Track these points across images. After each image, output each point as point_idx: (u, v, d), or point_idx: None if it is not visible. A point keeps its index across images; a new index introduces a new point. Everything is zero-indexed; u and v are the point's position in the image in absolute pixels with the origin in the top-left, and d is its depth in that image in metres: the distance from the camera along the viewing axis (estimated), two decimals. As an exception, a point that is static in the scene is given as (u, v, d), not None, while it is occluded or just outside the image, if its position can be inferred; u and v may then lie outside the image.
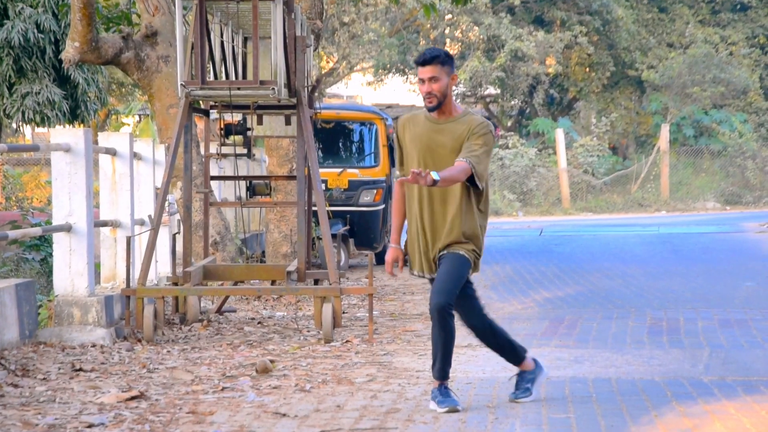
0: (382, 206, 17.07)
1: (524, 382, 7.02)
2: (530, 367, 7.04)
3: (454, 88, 6.90)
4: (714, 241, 21.20)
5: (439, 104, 6.69)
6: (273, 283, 11.48)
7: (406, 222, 6.96)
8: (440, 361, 6.77)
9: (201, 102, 11.13)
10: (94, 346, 9.27)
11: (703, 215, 31.28)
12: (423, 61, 6.68)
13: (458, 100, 42.76)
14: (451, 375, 6.82)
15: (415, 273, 6.95)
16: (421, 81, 6.66)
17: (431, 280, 6.88)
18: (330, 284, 10.06)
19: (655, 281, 14.55)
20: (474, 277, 7.02)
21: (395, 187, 6.95)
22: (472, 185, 6.68)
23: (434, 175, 6.36)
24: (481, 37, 37.77)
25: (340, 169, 17.08)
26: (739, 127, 36.64)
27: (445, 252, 6.76)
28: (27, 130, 32.05)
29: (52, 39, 19.11)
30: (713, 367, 8.43)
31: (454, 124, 6.73)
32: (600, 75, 38.91)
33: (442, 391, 6.76)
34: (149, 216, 11.37)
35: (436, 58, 6.66)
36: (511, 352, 7.03)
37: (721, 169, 36.13)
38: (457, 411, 6.67)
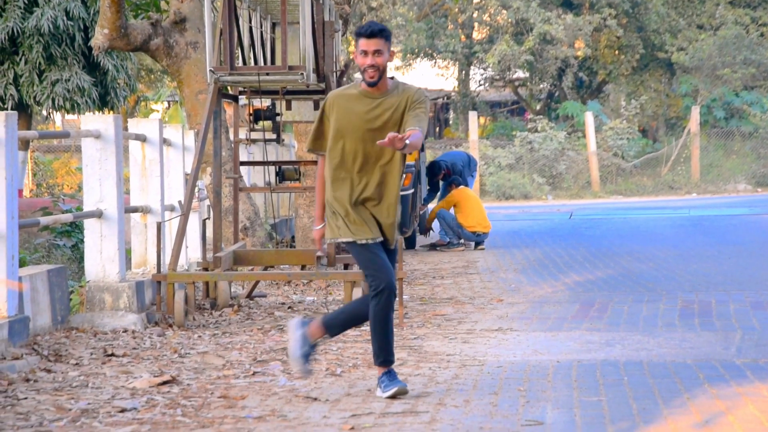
0: (412, 190, 17.04)
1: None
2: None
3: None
4: (745, 223, 21.09)
5: (379, 78, 6.61)
6: (303, 268, 11.49)
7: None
8: (389, 345, 6.70)
9: (230, 88, 11.15)
10: (125, 331, 9.31)
11: (734, 197, 31.10)
12: (370, 33, 6.54)
13: (487, 85, 42.70)
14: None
15: (364, 241, 6.67)
16: (364, 53, 6.53)
17: (373, 245, 6.68)
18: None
19: (687, 264, 14.49)
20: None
21: (319, 164, 6.79)
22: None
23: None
24: (510, 20, 37.65)
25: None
26: (770, 109, 36.39)
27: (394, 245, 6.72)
28: (57, 117, 32.24)
29: (82, 26, 19.18)
30: (746, 349, 8.39)
31: (390, 97, 6.64)
32: (629, 57, 38.72)
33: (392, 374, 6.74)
34: (179, 202, 11.41)
35: (383, 31, 6.56)
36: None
37: (752, 151, 35.90)
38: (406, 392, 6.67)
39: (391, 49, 6.64)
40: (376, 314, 6.63)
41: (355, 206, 6.70)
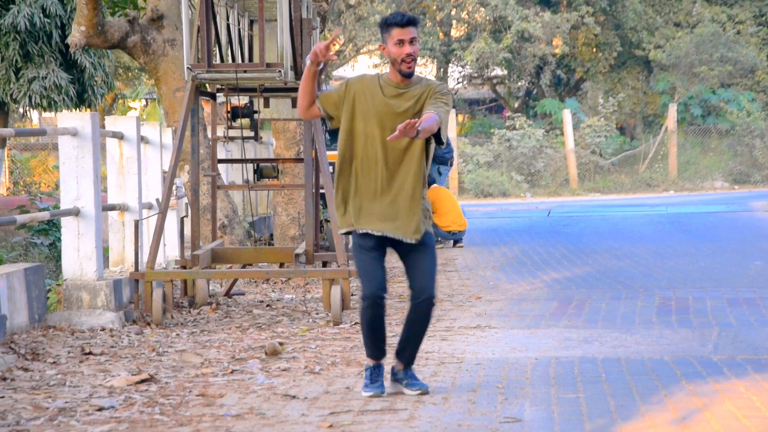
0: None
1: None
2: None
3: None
4: (722, 220, 21.17)
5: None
6: (281, 265, 11.48)
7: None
8: (416, 347, 6.71)
9: (207, 85, 11.12)
10: (103, 329, 9.29)
11: (711, 195, 31.23)
12: (406, 21, 6.46)
13: (465, 82, 42.74)
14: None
15: (370, 231, 6.57)
16: (401, 42, 6.43)
17: (381, 239, 6.61)
18: (338, 266, 10.07)
19: (664, 261, 14.54)
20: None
21: (307, 71, 6.46)
22: (436, 141, 6.54)
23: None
24: (488, 18, 37.69)
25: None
26: (747, 106, 36.55)
27: (414, 239, 6.59)
28: (34, 114, 32.11)
29: (59, 23, 19.10)
30: (722, 346, 8.43)
31: (414, 88, 6.58)
32: (607, 55, 38.82)
33: (410, 374, 6.76)
34: (157, 200, 11.38)
35: (416, 20, 6.54)
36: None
37: (729, 149, 36.06)
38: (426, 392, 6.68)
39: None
40: (361, 316, 6.65)
41: (365, 196, 6.58)
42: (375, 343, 6.68)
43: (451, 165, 17.98)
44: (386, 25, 6.49)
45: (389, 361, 6.85)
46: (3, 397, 6.73)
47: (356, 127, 6.58)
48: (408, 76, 6.53)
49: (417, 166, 6.58)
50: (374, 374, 6.72)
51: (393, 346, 6.84)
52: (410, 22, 6.48)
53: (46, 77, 19.02)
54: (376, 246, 6.61)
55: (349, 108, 6.58)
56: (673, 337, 8.86)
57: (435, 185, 17.45)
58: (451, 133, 33.24)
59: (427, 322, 6.69)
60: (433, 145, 6.60)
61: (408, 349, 6.75)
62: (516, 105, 42.07)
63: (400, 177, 6.59)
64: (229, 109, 11.21)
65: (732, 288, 11.80)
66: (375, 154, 6.57)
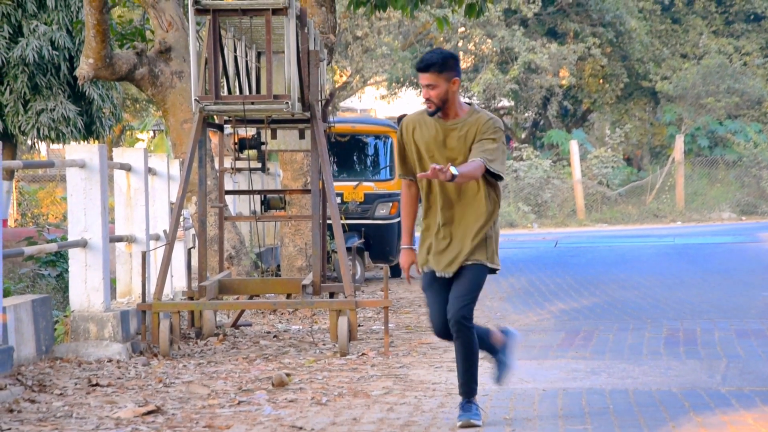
0: (398, 219, 17.06)
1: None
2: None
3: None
4: (730, 251, 21.14)
5: (438, 109, 6.67)
6: (288, 296, 11.48)
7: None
8: (462, 376, 6.71)
9: (215, 117, 11.15)
10: (110, 361, 9.28)
11: (718, 226, 31.19)
12: (423, 67, 6.66)
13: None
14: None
15: (438, 272, 6.69)
16: (422, 86, 6.69)
17: (440, 279, 6.71)
18: (345, 297, 10.06)
19: (671, 292, 14.51)
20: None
21: (403, 188, 6.87)
22: (493, 177, 6.65)
23: (453, 170, 6.33)
24: (494, 49, 37.79)
25: (355, 183, 17.08)
26: (754, 137, 36.56)
27: (469, 261, 6.68)
28: (42, 146, 32.20)
29: (67, 56, 19.18)
30: (731, 377, 8.40)
31: (462, 124, 6.67)
32: (614, 86, 38.87)
33: (464, 406, 6.73)
34: (164, 231, 11.39)
35: (433, 65, 6.62)
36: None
37: (737, 180, 36.03)
38: (472, 425, 6.62)
39: (456, 76, 6.65)
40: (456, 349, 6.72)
41: (436, 234, 6.72)
42: (472, 375, 6.71)
43: None
44: (416, 67, 6.78)
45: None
46: (10, 429, 6.72)
47: (422, 166, 6.73)
48: (431, 114, 6.69)
49: (478, 201, 6.68)
50: (467, 406, 6.70)
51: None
52: (427, 67, 6.63)
53: (54, 109, 19.08)
54: (431, 282, 6.74)
55: (414, 149, 6.74)
56: (681, 368, 8.84)
57: None
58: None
59: (466, 347, 6.66)
60: (493, 181, 6.70)
61: (459, 379, 6.75)
62: (523, 136, 42.11)
63: (458, 215, 6.70)
64: (236, 140, 11.24)
65: (740, 319, 11.77)
66: (437, 191, 6.71)
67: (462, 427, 6.61)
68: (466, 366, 6.68)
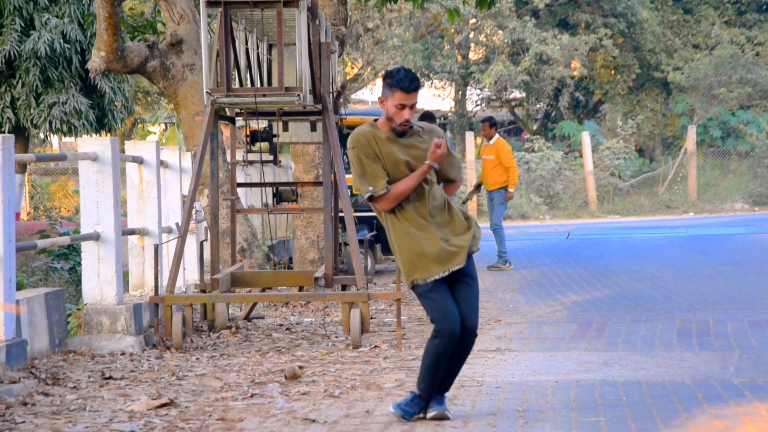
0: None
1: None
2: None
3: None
4: (743, 242, 21.09)
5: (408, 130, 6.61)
6: (300, 289, 11.48)
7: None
8: (452, 375, 6.69)
9: (227, 109, 11.16)
10: (123, 354, 9.30)
11: (731, 216, 31.11)
12: (414, 88, 6.50)
13: (483, 105, 42.79)
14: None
15: (437, 277, 6.60)
16: (402, 106, 6.49)
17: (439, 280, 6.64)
18: (357, 290, 10.06)
19: (684, 283, 14.48)
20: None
21: (384, 203, 6.61)
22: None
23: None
24: (506, 41, 37.73)
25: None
26: (766, 128, 36.45)
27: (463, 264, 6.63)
28: (54, 139, 32.24)
29: (78, 49, 19.21)
30: (744, 368, 8.38)
31: (414, 137, 6.63)
32: (625, 77, 38.79)
33: (439, 399, 6.71)
34: (176, 224, 11.41)
35: (421, 85, 6.61)
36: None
37: (749, 170, 35.93)
38: (446, 417, 6.63)
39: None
40: (429, 351, 6.59)
41: (423, 232, 6.60)
42: (437, 379, 6.62)
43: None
44: (392, 85, 6.52)
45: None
46: (24, 422, 6.74)
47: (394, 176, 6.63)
48: (401, 135, 6.59)
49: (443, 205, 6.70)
50: (414, 402, 6.66)
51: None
52: (416, 89, 6.53)
53: (66, 102, 19.11)
54: (435, 285, 6.66)
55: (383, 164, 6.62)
56: (694, 359, 8.82)
57: None
58: (469, 155, 33.27)
59: (468, 352, 6.72)
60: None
61: (446, 378, 6.71)
62: (534, 127, 42.05)
63: (447, 213, 6.69)
64: (248, 133, 11.24)
65: (753, 310, 11.74)
66: (418, 202, 6.63)
67: (435, 417, 6.61)
68: (461, 366, 6.70)
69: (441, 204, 6.64)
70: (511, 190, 16.87)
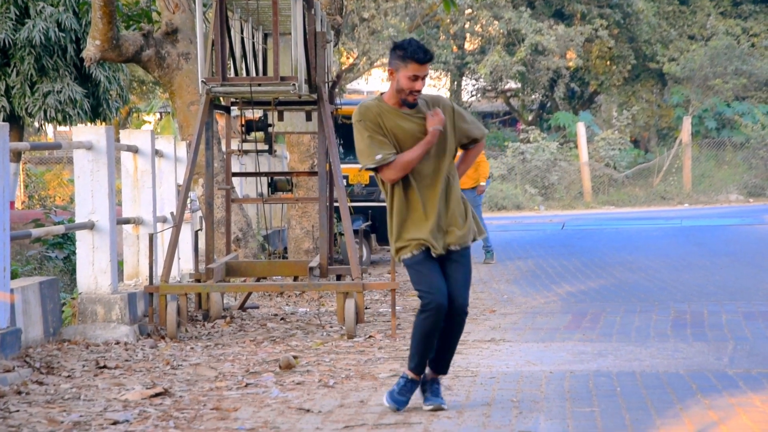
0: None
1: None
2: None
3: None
4: (737, 233, 21.11)
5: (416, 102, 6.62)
6: (295, 279, 11.48)
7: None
8: (446, 353, 6.70)
9: (222, 99, 11.14)
10: (117, 343, 9.30)
11: (726, 208, 31.15)
12: (428, 59, 6.52)
13: (479, 95, 42.80)
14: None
15: (424, 239, 6.58)
16: (415, 78, 6.49)
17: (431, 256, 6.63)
18: (352, 280, 10.06)
19: (679, 274, 14.50)
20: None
21: (388, 173, 6.59)
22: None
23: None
24: (501, 31, 37.71)
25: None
26: (761, 119, 36.47)
27: (458, 247, 6.65)
28: (49, 128, 32.20)
29: (73, 38, 19.17)
30: (738, 359, 8.40)
31: (419, 110, 6.63)
32: (621, 68, 38.80)
33: (433, 388, 6.72)
34: (171, 213, 11.40)
35: (432, 56, 6.60)
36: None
37: (744, 161, 35.97)
38: (441, 409, 6.63)
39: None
40: (417, 327, 6.57)
41: (421, 220, 6.62)
42: (426, 356, 6.62)
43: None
44: (405, 57, 6.51)
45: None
46: (18, 410, 6.73)
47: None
48: (411, 107, 6.60)
49: (454, 184, 6.70)
50: (407, 388, 6.66)
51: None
52: (430, 59, 6.55)
53: (60, 91, 19.08)
54: (425, 257, 6.67)
55: (389, 140, 6.60)
56: (688, 350, 8.84)
57: None
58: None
59: (460, 329, 6.71)
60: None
61: (439, 357, 6.71)
62: (530, 118, 42.05)
63: (448, 193, 6.67)
64: (243, 122, 11.23)
65: (747, 301, 11.76)
66: (421, 177, 6.65)
67: (434, 410, 6.62)
68: (454, 346, 6.70)
69: (458, 207, 6.62)
70: (482, 183, 16.71)
